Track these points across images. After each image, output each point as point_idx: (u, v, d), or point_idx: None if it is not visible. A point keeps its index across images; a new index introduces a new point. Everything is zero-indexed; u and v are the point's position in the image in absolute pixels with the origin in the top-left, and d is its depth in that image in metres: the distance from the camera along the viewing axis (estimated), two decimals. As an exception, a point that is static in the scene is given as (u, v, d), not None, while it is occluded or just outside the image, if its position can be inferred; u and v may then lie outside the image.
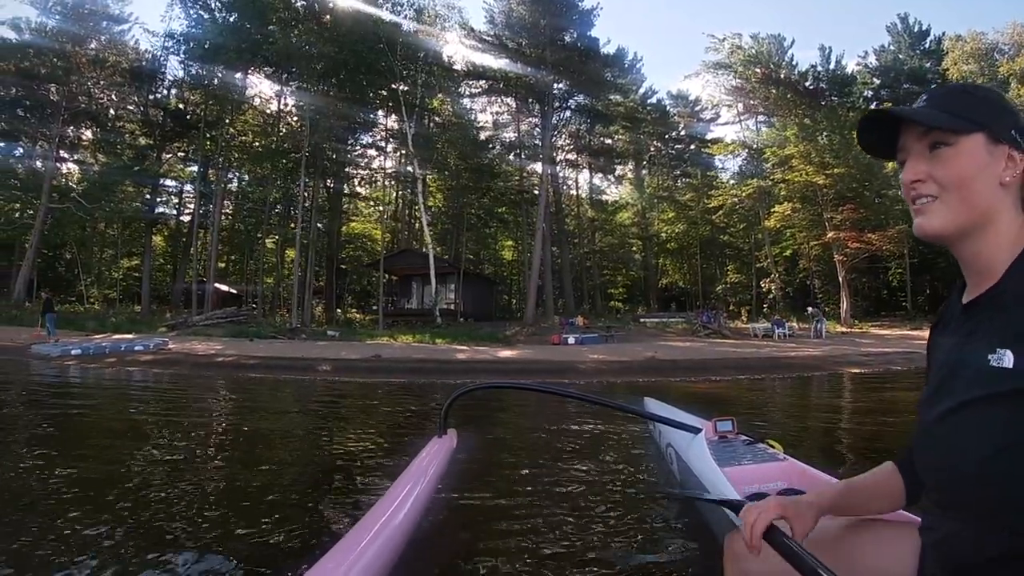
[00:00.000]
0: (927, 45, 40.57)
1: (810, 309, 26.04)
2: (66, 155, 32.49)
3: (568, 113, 39.39)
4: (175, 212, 40.03)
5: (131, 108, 33.77)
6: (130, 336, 18.10)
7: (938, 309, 1.07)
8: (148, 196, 34.43)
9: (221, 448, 5.37)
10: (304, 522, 3.16)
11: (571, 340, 19.93)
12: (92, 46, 29.41)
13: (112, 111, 32.85)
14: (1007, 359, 0.79)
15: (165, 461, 4.57)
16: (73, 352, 14.00)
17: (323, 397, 9.45)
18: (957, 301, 0.98)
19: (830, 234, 30.26)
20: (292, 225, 31.60)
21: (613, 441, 5.44)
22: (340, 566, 1.62)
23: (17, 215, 30.55)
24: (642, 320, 30.44)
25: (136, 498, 3.50)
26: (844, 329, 27.07)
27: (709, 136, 43.31)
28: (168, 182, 37.42)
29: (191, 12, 28.72)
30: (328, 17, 26.69)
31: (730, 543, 1.31)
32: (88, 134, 32.99)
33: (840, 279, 31.38)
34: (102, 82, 29.53)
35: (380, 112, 33.40)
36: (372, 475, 4.30)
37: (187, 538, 2.87)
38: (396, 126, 32.37)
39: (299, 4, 27.37)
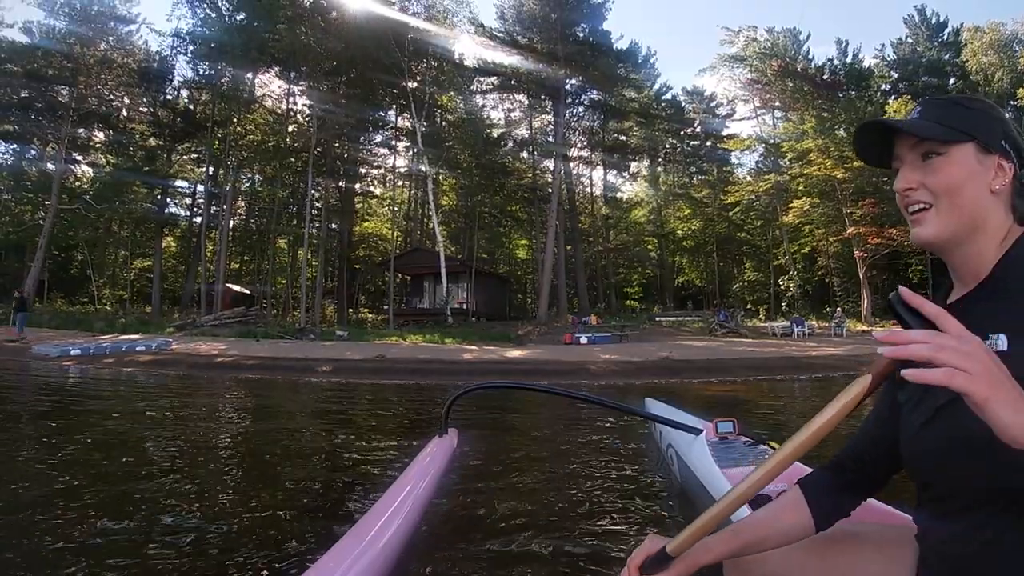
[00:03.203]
0: (945, 37, 39.68)
1: (838, 310, 25.62)
2: (78, 156, 32.65)
3: (581, 109, 39.16)
4: (187, 213, 40.13)
5: (142, 109, 33.84)
6: (135, 336, 18.01)
7: None
8: (159, 197, 34.52)
9: (213, 449, 5.26)
10: (302, 522, 3.15)
11: (583, 340, 19.57)
12: (101, 47, 29.45)
13: (124, 112, 32.94)
14: (1001, 342, 0.80)
15: (156, 462, 4.55)
16: (72, 352, 13.94)
17: (323, 398, 9.25)
18: (942, 303, 0.97)
19: (850, 229, 29.56)
20: (303, 224, 31.48)
21: (615, 441, 5.41)
22: (340, 566, 1.63)
23: (28, 216, 30.66)
24: (658, 319, 30.08)
25: (133, 500, 3.46)
26: (865, 327, 26.44)
27: (725, 132, 43.01)
28: (179, 183, 37.55)
29: (198, 11, 28.76)
30: (335, 14, 26.48)
31: None
32: (99, 135, 33.11)
33: (860, 276, 30.73)
34: (111, 83, 29.60)
35: (391, 110, 33.26)
36: (372, 475, 4.29)
37: (185, 538, 2.86)
38: (408, 124, 32.18)
39: (307, 1, 27.16)
